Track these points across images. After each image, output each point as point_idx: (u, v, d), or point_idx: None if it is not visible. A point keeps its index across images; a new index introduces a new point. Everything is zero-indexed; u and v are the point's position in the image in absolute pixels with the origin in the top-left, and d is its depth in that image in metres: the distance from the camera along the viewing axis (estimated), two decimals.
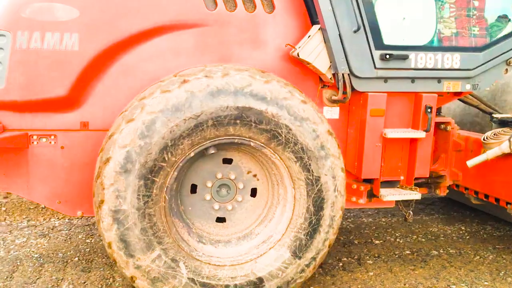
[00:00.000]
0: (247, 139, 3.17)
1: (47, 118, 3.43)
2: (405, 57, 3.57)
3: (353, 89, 3.59)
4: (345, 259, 4.44)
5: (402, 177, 3.83)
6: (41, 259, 4.30)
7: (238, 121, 3.09)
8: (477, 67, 3.74)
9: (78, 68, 3.34)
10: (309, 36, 3.50)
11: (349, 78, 3.53)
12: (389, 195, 3.68)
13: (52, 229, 5.01)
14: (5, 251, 4.45)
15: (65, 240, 4.73)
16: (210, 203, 3.55)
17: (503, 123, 4.15)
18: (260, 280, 3.31)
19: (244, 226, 3.59)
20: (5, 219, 5.31)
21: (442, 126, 4.25)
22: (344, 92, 3.58)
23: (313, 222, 3.31)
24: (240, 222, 3.60)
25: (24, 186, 3.49)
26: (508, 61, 3.81)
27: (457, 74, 3.73)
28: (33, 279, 3.93)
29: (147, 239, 3.10)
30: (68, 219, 5.28)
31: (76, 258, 4.33)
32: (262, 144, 3.20)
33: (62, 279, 3.94)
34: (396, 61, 3.58)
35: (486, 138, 3.89)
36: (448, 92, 3.88)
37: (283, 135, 3.16)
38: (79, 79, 3.36)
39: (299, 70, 3.70)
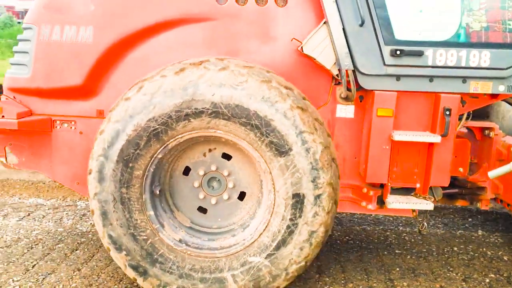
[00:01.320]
0: (162, 150, 3.20)
1: (67, 105, 3.72)
2: (419, 54, 3.26)
3: (361, 87, 3.37)
4: (492, 275, 4.10)
5: (418, 185, 3.51)
6: None
7: (139, 151, 3.15)
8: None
9: (92, 59, 3.56)
10: (315, 31, 3.36)
11: (353, 75, 3.32)
12: (395, 203, 3.39)
13: None
14: None
15: None
16: (219, 203, 3.55)
17: None
18: (296, 195, 3.15)
19: (256, 185, 3.48)
20: None
21: (486, 132, 3.82)
22: (350, 90, 3.37)
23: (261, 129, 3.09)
24: (250, 184, 3.50)
25: (48, 166, 3.83)
26: None
27: (486, 74, 3.31)
28: None
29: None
30: None
31: None
32: (174, 140, 3.18)
33: None
34: (409, 58, 3.28)
35: None
36: (484, 94, 3.47)
37: (174, 119, 3.09)
38: (93, 69, 3.58)
39: (312, 66, 3.56)
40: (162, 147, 3.17)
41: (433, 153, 3.38)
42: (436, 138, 3.30)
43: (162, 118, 3.08)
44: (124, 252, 3.30)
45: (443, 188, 3.81)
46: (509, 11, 3.29)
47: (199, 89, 3.05)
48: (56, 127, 3.76)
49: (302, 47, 3.37)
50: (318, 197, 3.15)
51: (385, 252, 4.48)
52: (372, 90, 3.35)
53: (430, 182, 3.43)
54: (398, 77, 3.33)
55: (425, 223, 3.65)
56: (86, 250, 4.37)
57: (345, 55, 3.29)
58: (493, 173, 3.39)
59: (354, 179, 3.67)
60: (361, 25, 3.23)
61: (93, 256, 4.25)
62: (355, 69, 3.31)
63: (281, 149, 3.08)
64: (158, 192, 3.39)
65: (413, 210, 3.56)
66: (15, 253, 4.25)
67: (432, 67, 3.30)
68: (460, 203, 4.06)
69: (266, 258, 3.24)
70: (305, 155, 3.08)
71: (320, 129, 3.15)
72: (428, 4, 3.31)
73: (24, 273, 3.89)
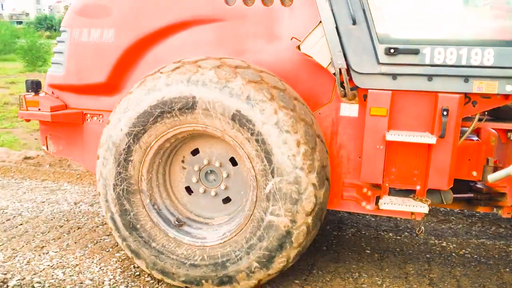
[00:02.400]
0: (144, 196, 3.60)
1: (96, 100, 4.11)
2: (415, 52, 3.16)
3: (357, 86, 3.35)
4: None
5: (418, 187, 3.39)
6: None
7: (131, 212, 3.60)
8: None
9: (114, 58, 3.91)
10: (311, 30, 3.39)
11: (346, 74, 3.30)
12: (388, 204, 3.31)
13: None
14: None
15: None
16: (228, 184, 3.70)
17: None
18: (233, 117, 3.24)
19: (229, 146, 3.60)
20: None
21: (508, 134, 3.59)
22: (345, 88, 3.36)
23: None
24: (227, 150, 3.64)
25: (80, 155, 4.26)
26: None
27: (490, 73, 3.11)
28: None
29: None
30: None
31: (325, 247, 4.55)
32: (140, 180, 3.57)
33: (312, 264, 4.18)
34: (405, 56, 3.18)
35: None
36: (497, 94, 3.27)
37: (123, 165, 3.53)
38: (115, 68, 3.93)
39: (316, 64, 3.58)
40: (140, 194, 3.58)
41: (431, 155, 3.26)
42: (431, 139, 3.18)
43: (118, 178, 3.55)
44: (203, 281, 3.53)
45: (457, 192, 3.65)
46: None
47: (115, 132, 3.48)
48: (87, 120, 4.17)
49: (299, 46, 3.42)
50: (248, 99, 3.20)
51: (507, 269, 4.18)
52: (367, 89, 3.31)
53: (428, 184, 3.31)
54: (394, 76, 3.25)
55: (422, 227, 3.50)
56: None
57: (338, 54, 3.28)
58: (492, 177, 3.18)
59: (357, 178, 3.64)
60: (354, 23, 3.21)
61: None
62: (349, 68, 3.30)
63: (190, 105, 3.28)
64: (179, 222, 3.67)
65: (412, 213, 3.45)
66: None
67: (431, 65, 3.17)
68: (481, 210, 3.84)
69: (273, 177, 3.23)
70: (207, 90, 3.24)
71: (203, 66, 3.34)
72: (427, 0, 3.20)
73: None
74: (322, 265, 4.16)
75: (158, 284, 3.80)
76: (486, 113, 3.56)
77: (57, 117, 4.05)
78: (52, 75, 4.20)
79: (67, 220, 5.14)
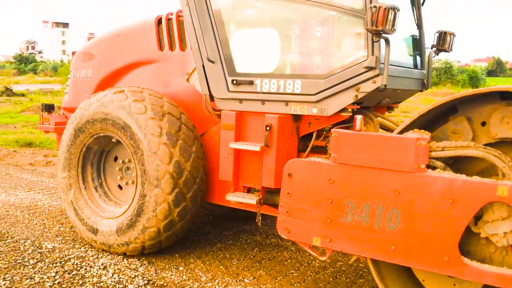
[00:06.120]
0: None
1: None
2: (250, 82, 4.24)
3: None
4: None
5: (261, 186, 4.35)
6: None
7: None
8: (319, 93, 3.96)
9: (92, 89, 5.62)
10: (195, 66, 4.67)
11: (208, 99, 4.48)
12: (231, 196, 4.35)
13: None
14: None
15: None
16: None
17: None
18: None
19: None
20: None
21: None
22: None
23: None
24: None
25: None
26: (356, 87, 3.84)
27: (300, 98, 4.06)
28: None
29: None
30: None
31: None
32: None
33: None
34: (244, 86, 4.29)
35: None
36: (326, 116, 4.11)
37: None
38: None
39: None
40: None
41: (262, 160, 4.25)
42: (255, 148, 4.18)
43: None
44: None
45: None
46: (316, 48, 4.05)
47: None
48: None
49: (188, 78, 4.72)
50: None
51: None
52: (222, 110, 4.46)
53: (262, 183, 4.28)
54: (240, 100, 4.35)
55: (260, 217, 4.35)
56: None
57: (204, 83, 4.50)
58: None
59: None
60: (212, 62, 4.41)
61: None
62: (211, 94, 4.49)
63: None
64: None
65: (257, 206, 4.37)
66: (322, 279, 4.60)
67: (262, 93, 4.23)
68: None
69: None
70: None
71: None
72: (256, 44, 4.32)
73: None
74: None
75: None
76: (325, 131, 4.40)
77: (59, 130, 5.87)
78: (63, 101, 6.09)
79: (259, 250, 5.33)
